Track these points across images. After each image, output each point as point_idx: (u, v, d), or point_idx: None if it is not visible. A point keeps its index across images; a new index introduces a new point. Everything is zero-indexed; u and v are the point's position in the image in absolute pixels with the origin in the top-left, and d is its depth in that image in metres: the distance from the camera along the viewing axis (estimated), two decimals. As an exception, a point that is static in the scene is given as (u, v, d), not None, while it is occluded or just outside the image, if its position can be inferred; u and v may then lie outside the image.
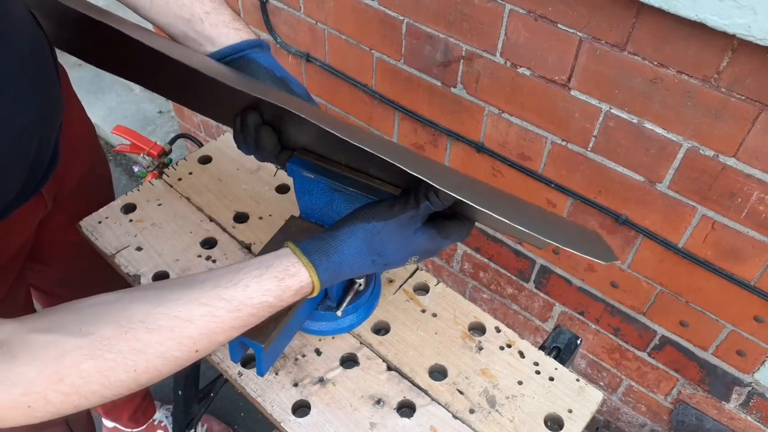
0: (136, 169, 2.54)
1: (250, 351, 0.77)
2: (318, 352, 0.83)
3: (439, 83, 1.33)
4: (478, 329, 0.87)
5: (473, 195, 0.59)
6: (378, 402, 0.78)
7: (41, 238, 1.01)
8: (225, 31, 0.74)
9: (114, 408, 1.57)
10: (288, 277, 0.60)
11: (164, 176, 1.06)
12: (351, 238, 0.62)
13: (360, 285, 0.81)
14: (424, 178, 0.56)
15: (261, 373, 0.76)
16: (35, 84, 0.71)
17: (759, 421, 1.31)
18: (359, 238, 0.62)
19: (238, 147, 0.74)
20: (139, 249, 0.94)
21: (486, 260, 1.59)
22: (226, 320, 0.58)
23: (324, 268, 0.61)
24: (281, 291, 0.60)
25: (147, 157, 1.92)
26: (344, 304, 0.80)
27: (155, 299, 0.56)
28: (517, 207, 0.71)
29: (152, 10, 0.76)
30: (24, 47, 0.68)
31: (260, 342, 0.70)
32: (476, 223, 0.71)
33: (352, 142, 0.57)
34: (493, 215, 0.56)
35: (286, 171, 0.75)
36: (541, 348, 0.88)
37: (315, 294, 0.63)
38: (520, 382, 0.81)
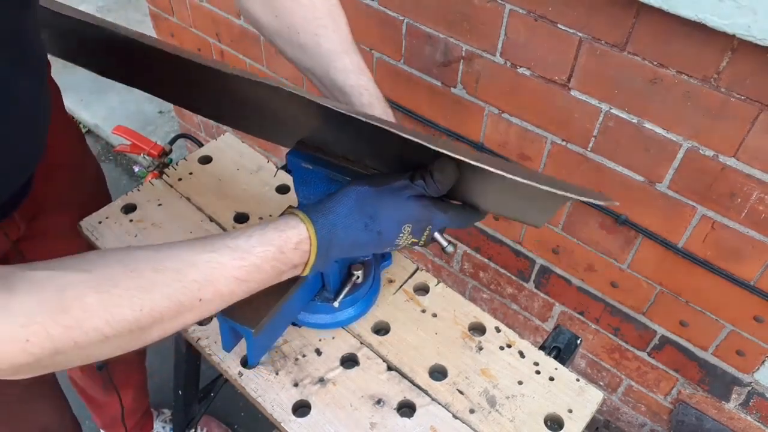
0: (136, 169, 2.54)
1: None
2: (318, 352, 0.83)
3: (439, 83, 1.33)
4: (478, 329, 0.87)
5: (472, 157, 0.59)
6: (378, 402, 0.78)
7: (23, 255, 1.00)
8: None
9: (112, 423, 1.57)
10: (289, 229, 0.62)
11: (164, 176, 1.06)
12: (344, 198, 0.65)
13: (358, 277, 0.81)
14: (423, 142, 0.56)
15: (251, 362, 0.76)
16: (31, 126, 0.72)
17: (759, 421, 1.31)
18: (351, 199, 0.65)
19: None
20: (139, 249, 0.94)
21: (486, 260, 1.59)
22: (230, 268, 0.58)
23: (321, 224, 0.63)
24: (282, 242, 0.62)
25: (147, 157, 1.92)
26: (342, 295, 0.80)
27: (161, 247, 0.57)
28: (516, 167, 0.71)
29: (317, 85, 0.82)
30: (35, 93, 0.69)
31: (250, 327, 0.70)
32: (476, 223, 0.71)
33: (354, 116, 0.58)
34: (497, 172, 0.56)
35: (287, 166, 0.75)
36: (541, 348, 0.88)
37: (312, 257, 0.64)
38: (520, 382, 0.81)
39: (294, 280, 0.74)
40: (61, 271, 0.51)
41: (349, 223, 0.65)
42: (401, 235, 0.67)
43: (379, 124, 0.58)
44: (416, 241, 0.69)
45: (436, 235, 0.82)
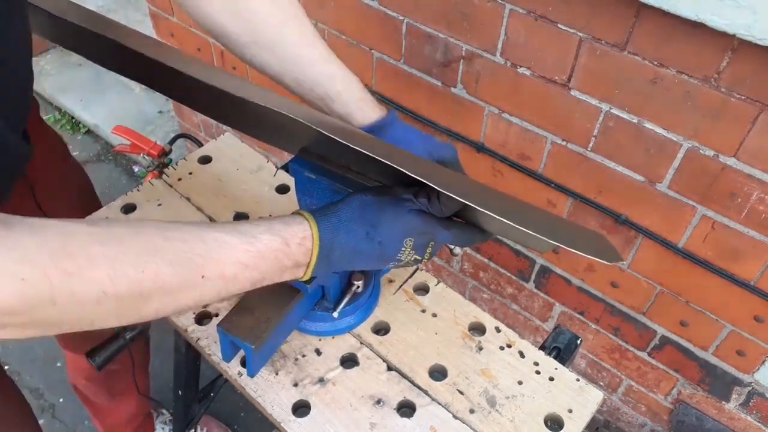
0: (136, 169, 2.54)
1: None
2: (318, 352, 0.83)
3: (439, 83, 1.33)
4: (478, 329, 0.87)
5: (476, 198, 0.59)
6: (378, 402, 0.78)
7: None
8: (353, 109, 0.77)
9: (113, 429, 1.56)
10: (295, 224, 0.63)
11: (164, 176, 1.06)
12: (347, 204, 0.66)
13: (358, 287, 0.81)
14: (424, 180, 0.56)
15: (251, 374, 0.76)
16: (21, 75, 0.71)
17: (759, 421, 1.31)
18: (354, 205, 0.66)
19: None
20: (139, 249, 0.94)
21: (486, 260, 1.59)
22: (237, 250, 0.58)
23: (324, 225, 0.64)
24: (289, 235, 0.62)
25: (147, 157, 1.91)
26: (341, 305, 0.80)
27: (169, 222, 0.57)
28: (522, 210, 0.71)
29: (290, 86, 0.81)
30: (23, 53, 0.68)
31: (250, 343, 0.70)
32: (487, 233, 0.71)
33: (358, 148, 0.57)
34: (499, 218, 0.56)
35: (289, 172, 0.75)
36: (541, 348, 0.88)
37: (314, 257, 0.64)
38: (520, 382, 0.81)
39: (294, 294, 0.74)
40: (66, 222, 0.49)
41: (351, 228, 0.65)
42: (403, 249, 0.67)
43: (379, 158, 0.58)
44: (419, 258, 0.68)
45: None
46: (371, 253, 0.66)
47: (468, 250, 1.61)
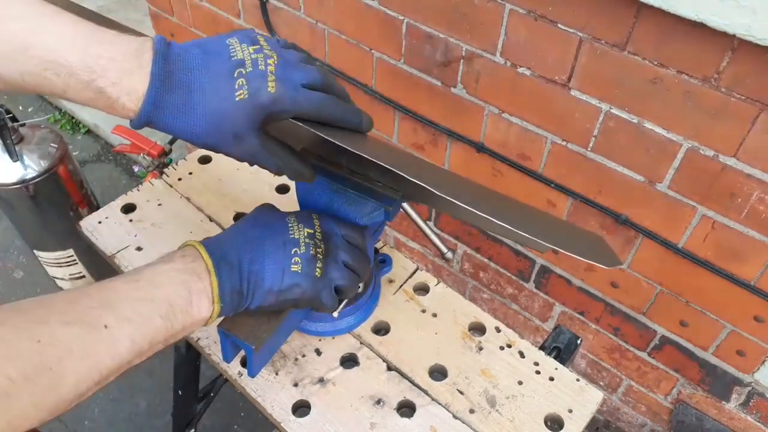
0: (136, 169, 2.55)
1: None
2: (318, 352, 0.83)
3: (439, 83, 1.33)
4: (478, 329, 0.87)
5: (475, 201, 0.59)
6: (378, 402, 0.78)
7: None
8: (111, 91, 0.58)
9: None
10: (174, 251, 0.64)
11: (164, 176, 1.06)
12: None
13: (359, 287, 0.81)
14: (420, 183, 0.56)
15: (252, 375, 0.76)
16: None
17: (759, 421, 1.31)
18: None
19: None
20: (139, 249, 0.94)
21: (486, 260, 1.59)
22: (125, 290, 0.57)
23: (207, 240, 0.66)
24: (168, 257, 0.63)
25: (147, 157, 1.92)
26: (342, 305, 0.80)
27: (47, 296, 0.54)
28: (519, 211, 0.70)
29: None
30: None
31: (251, 343, 0.70)
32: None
33: (352, 150, 0.57)
34: (496, 222, 0.56)
35: None
36: (541, 348, 0.88)
37: (204, 254, 0.63)
38: (520, 382, 0.81)
39: None
40: None
41: (241, 232, 0.67)
42: (290, 223, 0.68)
43: (375, 160, 0.57)
44: (311, 231, 0.69)
45: (436, 240, 0.81)
46: (263, 234, 0.67)
47: (468, 249, 1.61)
